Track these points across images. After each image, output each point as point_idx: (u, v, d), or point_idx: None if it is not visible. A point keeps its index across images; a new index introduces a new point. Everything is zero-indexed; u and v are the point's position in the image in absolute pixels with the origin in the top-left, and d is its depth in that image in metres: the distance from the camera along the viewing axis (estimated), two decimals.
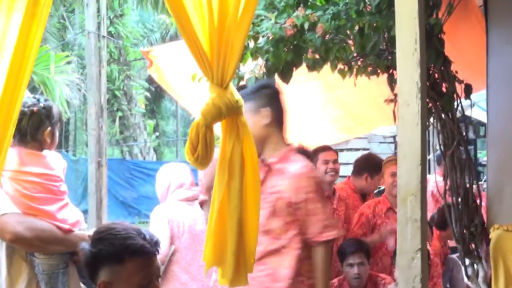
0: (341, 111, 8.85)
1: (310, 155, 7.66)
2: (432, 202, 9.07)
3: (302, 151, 7.20)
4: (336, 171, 6.98)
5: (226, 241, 3.15)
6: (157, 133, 32.70)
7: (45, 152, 4.47)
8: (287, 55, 4.97)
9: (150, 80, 24.76)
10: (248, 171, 3.20)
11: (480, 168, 14.41)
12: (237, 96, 3.16)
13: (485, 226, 5.52)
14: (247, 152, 3.20)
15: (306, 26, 4.91)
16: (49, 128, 4.41)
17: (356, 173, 7.50)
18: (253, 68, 5.13)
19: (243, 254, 3.19)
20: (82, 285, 4.61)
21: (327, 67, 5.43)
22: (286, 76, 5.08)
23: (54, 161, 4.53)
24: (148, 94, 27.36)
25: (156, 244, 2.89)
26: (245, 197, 3.18)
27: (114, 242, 2.80)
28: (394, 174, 6.30)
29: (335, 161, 6.98)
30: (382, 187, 7.69)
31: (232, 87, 3.16)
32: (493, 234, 4.77)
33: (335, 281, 6.31)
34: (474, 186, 5.52)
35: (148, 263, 2.84)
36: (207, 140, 3.10)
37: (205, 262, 3.18)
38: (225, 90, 3.10)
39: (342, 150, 16.29)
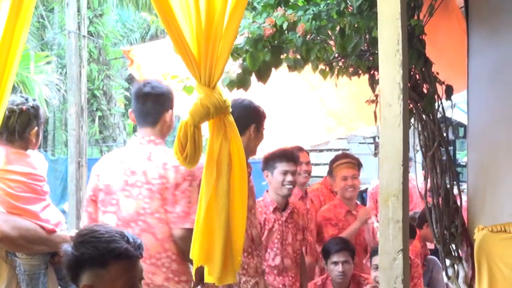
0: (322, 110, 8.87)
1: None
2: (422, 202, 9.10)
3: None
4: (308, 173, 7.00)
5: (213, 239, 3.16)
6: (136, 133, 32.72)
7: (29, 151, 4.46)
8: (265, 55, 4.96)
9: (129, 79, 24.70)
10: (236, 170, 3.23)
11: (459, 169, 14.47)
12: (225, 96, 3.17)
13: (466, 227, 5.54)
14: (235, 151, 3.22)
15: (284, 26, 4.90)
16: (36, 128, 4.41)
17: (332, 173, 7.50)
18: (228, 69, 5.10)
19: (230, 252, 3.21)
20: (59, 287, 4.59)
21: (308, 67, 5.43)
22: (263, 77, 5.06)
23: (38, 160, 4.53)
24: (127, 94, 27.27)
25: (139, 247, 2.88)
26: (232, 195, 3.20)
27: (97, 246, 2.78)
28: (345, 178, 6.27)
29: (308, 163, 7.00)
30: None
31: (220, 87, 3.18)
32: (477, 235, 4.79)
33: (318, 280, 6.31)
34: (455, 187, 5.54)
35: (132, 266, 2.82)
36: (196, 140, 3.13)
37: (193, 259, 3.19)
38: (212, 90, 3.12)
39: (321, 150, 16.34)
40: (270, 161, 6.07)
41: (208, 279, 3.23)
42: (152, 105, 4.45)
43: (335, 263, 6.13)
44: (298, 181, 6.60)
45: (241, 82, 4.98)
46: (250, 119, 4.85)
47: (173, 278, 4.24)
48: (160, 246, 4.21)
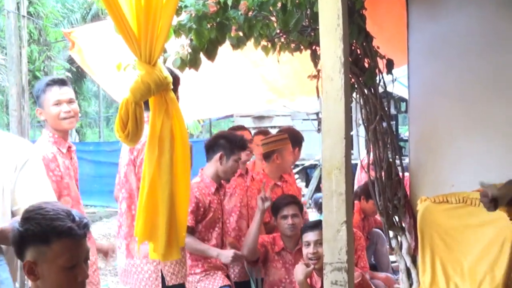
0: (264, 87, 8.89)
1: (300, 138, 7.68)
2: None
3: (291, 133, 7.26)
4: (250, 151, 7.00)
5: (157, 216, 3.16)
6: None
7: None
8: (210, 32, 4.95)
9: (71, 60, 24.41)
10: (178, 146, 3.23)
11: (401, 144, 14.65)
12: (166, 72, 3.16)
13: (408, 198, 5.63)
14: (176, 127, 3.23)
15: (229, 2, 4.89)
16: None
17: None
18: (177, 48, 5.09)
19: (174, 228, 3.22)
20: None
21: (250, 45, 5.45)
22: (211, 54, 5.06)
23: None
24: (69, 74, 26.99)
25: (85, 226, 2.86)
26: (175, 172, 3.20)
27: (41, 223, 2.76)
28: (285, 217, 6.19)
29: (250, 141, 6.99)
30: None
31: (161, 64, 3.18)
32: (420, 206, 4.88)
33: (269, 237, 6.28)
34: (397, 160, 5.63)
35: (75, 245, 2.80)
36: (137, 117, 3.12)
37: (137, 237, 3.19)
38: (153, 67, 3.12)
39: (266, 128, 16.41)
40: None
41: (152, 255, 3.24)
42: None
43: (285, 216, 6.11)
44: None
45: (192, 61, 4.96)
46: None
47: None
48: None
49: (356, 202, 7.68)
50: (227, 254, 5.67)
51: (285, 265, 6.18)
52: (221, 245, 5.83)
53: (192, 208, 5.53)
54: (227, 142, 5.88)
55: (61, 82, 5.21)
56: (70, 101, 5.14)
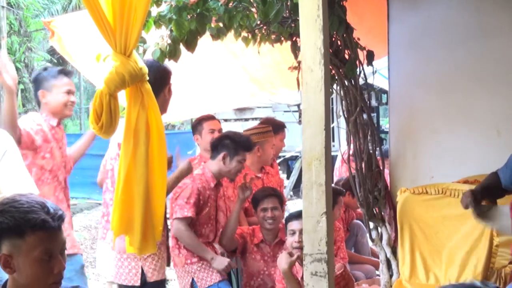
0: (245, 77, 8.86)
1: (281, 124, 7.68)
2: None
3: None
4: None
5: (133, 209, 3.14)
6: None
7: None
8: (190, 23, 4.93)
9: (51, 51, 24.31)
10: (154, 138, 3.20)
11: (383, 135, 14.69)
12: (141, 63, 3.14)
13: (388, 190, 5.64)
14: (152, 119, 3.20)
15: None
16: None
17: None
18: (157, 40, 5.06)
19: (151, 222, 3.19)
20: None
21: (230, 36, 5.43)
22: (191, 45, 5.03)
23: None
24: (50, 65, 26.89)
25: (60, 218, 2.84)
26: (151, 164, 3.18)
27: (15, 216, 2.74)
28: (265, 210, 6.17)
29: (220, 130, 6.97)
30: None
31: (136, 55, 3.15)
32: (400, 197, 4.89)
33: (249, 229, 6.28)
34: (377, 152, 5.64)
35: (50, 237, 2.79)
36: (111, 109, 3.09)
37: (113, 230, 3.17)
38: (128, 58, 3.09)
39: (247, 119, 16.41)
40: (197, 125, 6.49)
41: (129, 249, 3.22)
42: None
43: (264, 209, 6.10)
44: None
45: (171, 53, 4.93)
46: (164, 81, 4.88)
47: None
48: None
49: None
50: (222, 262, 5.71)
51: (264, 257, 6.18)
52: (213, 240, 5.87)
53: (195, 200, 5.64)
54: (232, 143, 5.95)
55: (71, 75, 5.83)
56: (73, 94, 5.75)
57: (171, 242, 5.70)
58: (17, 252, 2.76)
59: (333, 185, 7.38)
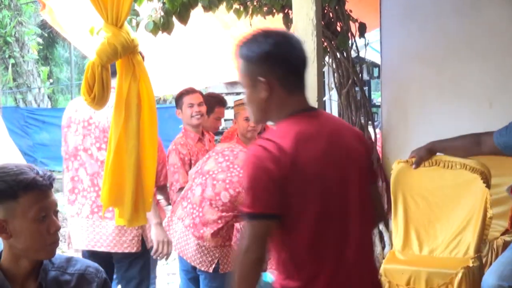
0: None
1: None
2: None
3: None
4: (201, 114, 6.94)
5: (123, 181, 3.12)
6: (51, 80, 32.03)
7: None
8: None
9: (42, 26, 24.14)
10: (145, 110, 3.19)
11: (374, 109, 14.67)
12: (133, 35, 3.12)
13: (381, 162, 5.65)
14: (144, 91, 3.18)
15: None
16: None
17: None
18: (150, 12, 5.04)
19: (141, 193, 3.19)
20: None
21: (222, 7, 5.41)
22: (183, 18, 5.01)
23: None
24: (40, 40, 26.74)
25: (49, 178, 2.84)
26: (142, 136, 3.17)
27: (6, 179, 2.73)
28: (247, 119, 6.21)
29: (200, 104, 6.93)
30: None
31: (127, 27, 3.13)
32: (394, 168, 4.89)
33: None
34: (369, 124, 5.64)
35: (42, 196, 2.78)
36: (104, 80, 3.07)
37: (102, 203, 3.16)
38: (120, 29, 3.07)
39: (238, 93, 16.35)
40: (178, 99, 6.41)
41: (118, 221, 3.21)
42: None
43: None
44: (191, 123, 6.59)
45: (164, 25, 4.91)
46: None
47: None
48: None
49: None
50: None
51: None
52: None
53: (178, 167, 5.76)
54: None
55: None
56: None
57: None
58: (12, 215, 2.74)
59: None
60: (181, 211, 5.04)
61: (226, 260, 5.19)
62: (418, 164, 4.62)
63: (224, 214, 5.01)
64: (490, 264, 4.97)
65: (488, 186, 4.59)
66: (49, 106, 25.28)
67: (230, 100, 9.92)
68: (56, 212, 2.86)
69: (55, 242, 2.87)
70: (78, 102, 4.65)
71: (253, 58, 2.73)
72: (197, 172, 5.42)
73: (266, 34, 2.74)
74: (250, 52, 2.75)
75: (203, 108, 6.54)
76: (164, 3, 4.88)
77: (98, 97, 3.07)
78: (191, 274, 5.34)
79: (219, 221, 5.02)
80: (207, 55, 8.56)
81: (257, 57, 2.71)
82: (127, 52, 3.08)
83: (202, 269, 5.11)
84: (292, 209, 2.54)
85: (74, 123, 4.59)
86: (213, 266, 5.06)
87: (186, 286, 5.49)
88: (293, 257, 2.61)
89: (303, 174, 2.55)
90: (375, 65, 12.44)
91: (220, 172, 5.22)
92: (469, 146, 4.53)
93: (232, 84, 18.02)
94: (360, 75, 5.76)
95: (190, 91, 6.65)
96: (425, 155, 4.60)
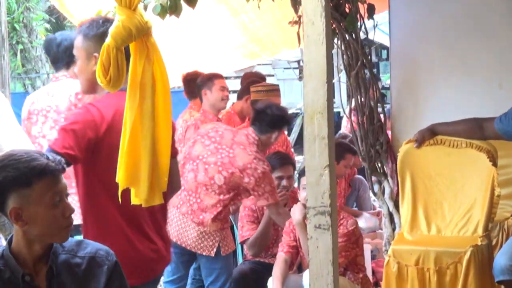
0: (246, 36, 8.84)
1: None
2: None
3: None
4: (228, 98, 7.03)
5: (139, 162, 3.16)
6: None
7: None
8: None
9: (50, 12, 24.13)
10: (159, 91, 3.22)
11: (383, 91, 14.66)
12: (146, 17, 3.14)
13: (390, 143, 5.65)
14: (158, 73, 3.22)
15: None
16: None
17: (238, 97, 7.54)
18: None
19: (156, 173, 3.21)
20: None
21: None
22: (191, 1, 5.00)
23: None
24: (48, 25, 26.72)
25: (60, 162, 2.86)
26: (157, 117, 3.20)
27: (18, 167, 2.75)
28: (280, 178, 6.12)
29: (228, 90, 7.01)
30: None
31: (141, 9, 3.15)
32: (402, 148, 4.90)
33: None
34: (379, 106, 5.64)
35: (55, 181, 2.80)
36: (119, 62, 3.11)
37: (119, 183, 3.18)
38: (134, 12, 3.10)
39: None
40: (207, 80, 6.75)
41: (134, 201, 3.24)
42: None
43: (280, 177, 6.03)
44: (219, 105, 6.65)
45: (173, 8, 4.90)
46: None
47: None
48: None
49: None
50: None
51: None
52: None
53: None
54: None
55: None
56: None
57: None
58: (27, 202, 2.76)
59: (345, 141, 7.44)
60: (175, 198, 5.04)
61: (226, 242, 5.28)
62: (419, 143, 4.78)
63: (221, 197, 5.09)
64: (501, 245, 4.99)
65: (495, 164, 4.61)
66: None
67: (237, 84, 9.93)
68: (67, 196, 2.88)
69: (69, 225, 2.90)
70: (34, 95, 5.36)
71: (90, 35, 3.48)
72: (185, 157, 5.45)
73: (105, 20, 3.54)
74: (89, 30, 3.50)
75: (227, 93, 6.68)
76: None
77: (114, 79, 3.11)
78: (184, 258, 5.40)
79: (218, 205, 5.12)
80: (216, 43, 8.57)
81: (93, 35, 3.46)
82: (141, 34, 3.12)
83: (204, 254, 5.17)
84: None
85: (34, 113, 4.76)
86: (214, 249, 5.14)
87: (176, 270, 5.52)
88: None
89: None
90: (383, 47, 12.46)
91: (210, 155, 5.27)
92: (472, 130, 4.58)
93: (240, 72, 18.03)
94: (369, 57, 5.75)
95: (220, 76, 6.74)
96: (428, 135, 4.68)
